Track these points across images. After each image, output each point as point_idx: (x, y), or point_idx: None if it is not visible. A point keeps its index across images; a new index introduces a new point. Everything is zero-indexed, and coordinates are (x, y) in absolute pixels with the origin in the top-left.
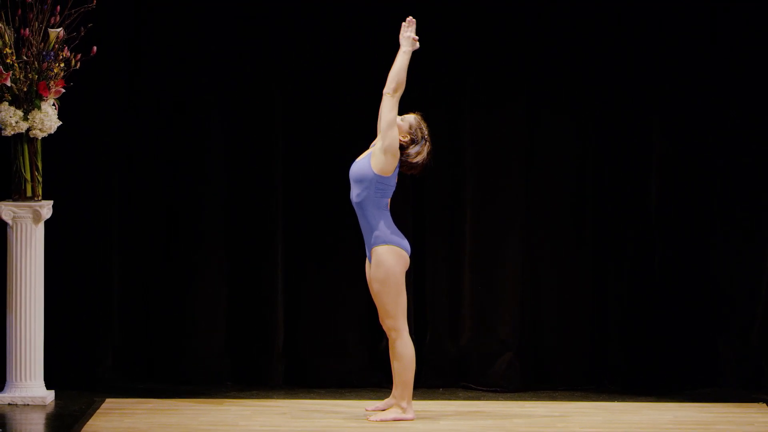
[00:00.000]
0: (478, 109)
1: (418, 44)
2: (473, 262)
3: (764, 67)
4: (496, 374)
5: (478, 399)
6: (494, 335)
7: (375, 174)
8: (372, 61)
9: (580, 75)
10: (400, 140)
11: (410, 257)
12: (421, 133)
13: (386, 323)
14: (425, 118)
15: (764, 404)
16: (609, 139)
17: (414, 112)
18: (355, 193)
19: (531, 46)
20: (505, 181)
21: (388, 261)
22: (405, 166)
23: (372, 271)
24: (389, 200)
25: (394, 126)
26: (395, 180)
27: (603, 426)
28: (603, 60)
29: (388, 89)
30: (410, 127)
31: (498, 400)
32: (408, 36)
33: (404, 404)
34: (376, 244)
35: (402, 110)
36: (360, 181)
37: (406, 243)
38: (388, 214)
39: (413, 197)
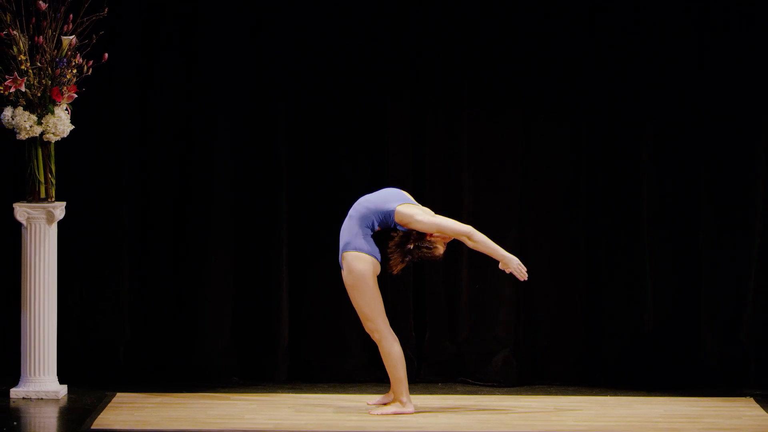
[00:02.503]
0: (475, 118)
1: (508, 270)
2: (471, 262)
3: (753, 72)
4: (493, 370)
5: (476, 394)
6: (491, 333)
7: (394, 209)
8: (373, 72)
9: (572, 83)
10: (428, 235)
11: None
12: (417, 255)
13: (367, 326)
14: (423, 128)
15: (751, 398)
16: (602, 143)
17: (443, 254)
18: (371, 198)
19: (525, 57)
20: (501, 183)
21: (356, 266)
22: (398, 231)
23: (344, 277)
24: (378, 229)
25: (436, 229)
26: (394, 227)
27: (596, 419)
28: (595, 68)
29: (475, 234)
30: (432, 246)
31: (495, 394)
32: (516, 269)
33: (404, 399)
34: (346, 249)
35: (402, 117)
36: (384, 200)
37: (376, 251)
38: (370, 233)
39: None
